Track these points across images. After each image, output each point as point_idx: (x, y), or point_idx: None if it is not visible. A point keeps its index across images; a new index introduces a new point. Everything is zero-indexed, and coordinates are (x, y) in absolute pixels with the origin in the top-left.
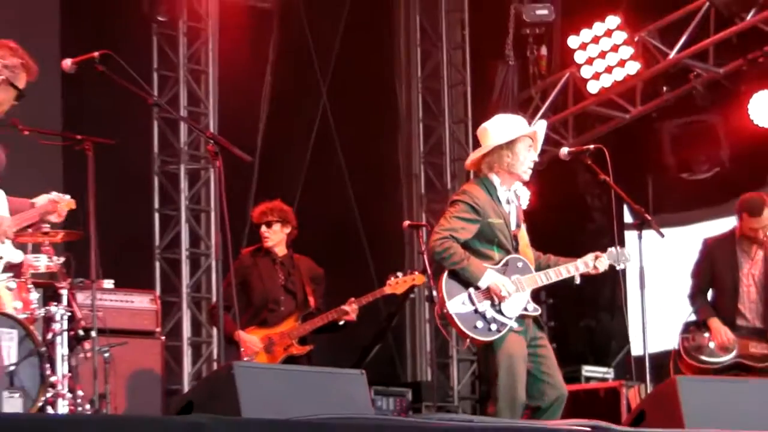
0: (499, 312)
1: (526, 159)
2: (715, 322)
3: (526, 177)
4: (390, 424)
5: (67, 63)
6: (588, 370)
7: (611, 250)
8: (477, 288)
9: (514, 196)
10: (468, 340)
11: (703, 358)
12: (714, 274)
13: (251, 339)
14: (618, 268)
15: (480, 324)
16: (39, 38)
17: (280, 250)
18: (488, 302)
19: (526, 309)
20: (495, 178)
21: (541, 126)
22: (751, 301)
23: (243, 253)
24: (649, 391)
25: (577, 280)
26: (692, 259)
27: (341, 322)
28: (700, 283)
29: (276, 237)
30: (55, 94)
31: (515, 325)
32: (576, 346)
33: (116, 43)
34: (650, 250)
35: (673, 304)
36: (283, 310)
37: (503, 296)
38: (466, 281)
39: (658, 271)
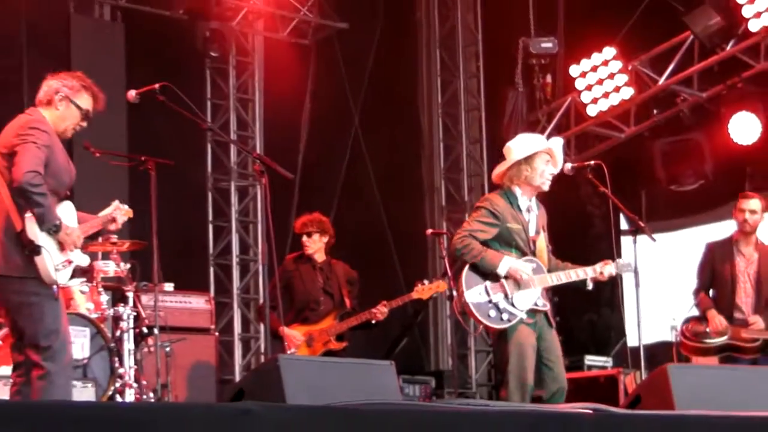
0: (512, 304)
1: (544, 172)
2: (711, 312)
3: (546, 187)
4: (416, 408)
5: (132, 94)
6: (590, 359)
7: (618, 260)
8: (494, 279)
9: (535, 206)
10: (482, 327)
11: (702, 339)
12: (714, 273)
13: (294, 335)
14: (623, 275)
15: (493, 313)
16: (108, 73)
17: (320, 257)
18: (501, 294)
19: (536, 304)
20: (516, 190)
21: (556, 142)
22: (747, 296)
23: (287, 260)
24: (643, 378)
25: (590, 286)
26: (682, 260)
27: (373, 321)
28: (703, 281)
29: (315, 245)
30: (122, 121)
31: (525, 317)
32: (579, 338)
33: (174, 76)
34: (644, 253)
35: (665, 300)
36: (322, 310)
37: (523, 278)
38: (484, 274)
39: (650, 272)
